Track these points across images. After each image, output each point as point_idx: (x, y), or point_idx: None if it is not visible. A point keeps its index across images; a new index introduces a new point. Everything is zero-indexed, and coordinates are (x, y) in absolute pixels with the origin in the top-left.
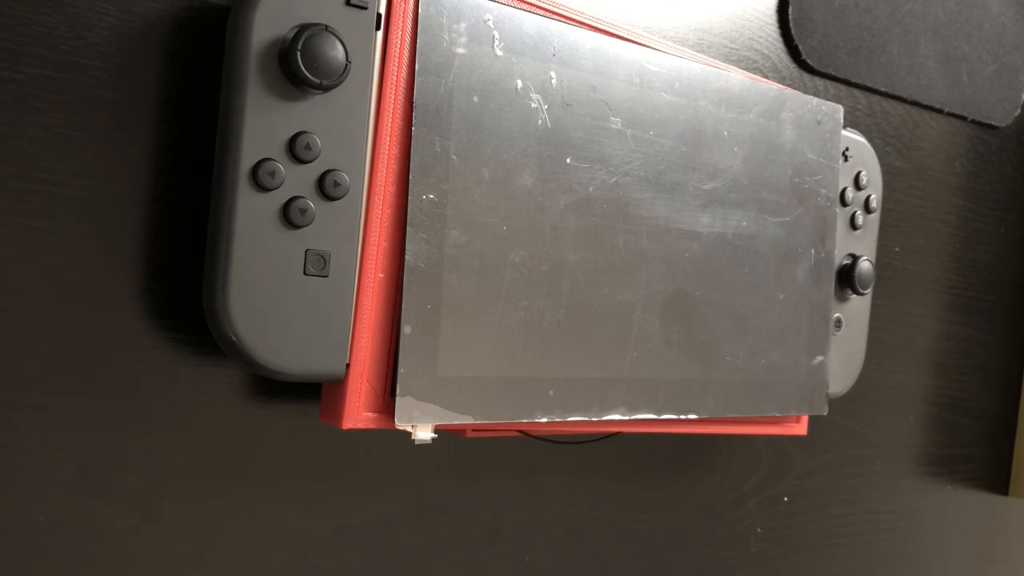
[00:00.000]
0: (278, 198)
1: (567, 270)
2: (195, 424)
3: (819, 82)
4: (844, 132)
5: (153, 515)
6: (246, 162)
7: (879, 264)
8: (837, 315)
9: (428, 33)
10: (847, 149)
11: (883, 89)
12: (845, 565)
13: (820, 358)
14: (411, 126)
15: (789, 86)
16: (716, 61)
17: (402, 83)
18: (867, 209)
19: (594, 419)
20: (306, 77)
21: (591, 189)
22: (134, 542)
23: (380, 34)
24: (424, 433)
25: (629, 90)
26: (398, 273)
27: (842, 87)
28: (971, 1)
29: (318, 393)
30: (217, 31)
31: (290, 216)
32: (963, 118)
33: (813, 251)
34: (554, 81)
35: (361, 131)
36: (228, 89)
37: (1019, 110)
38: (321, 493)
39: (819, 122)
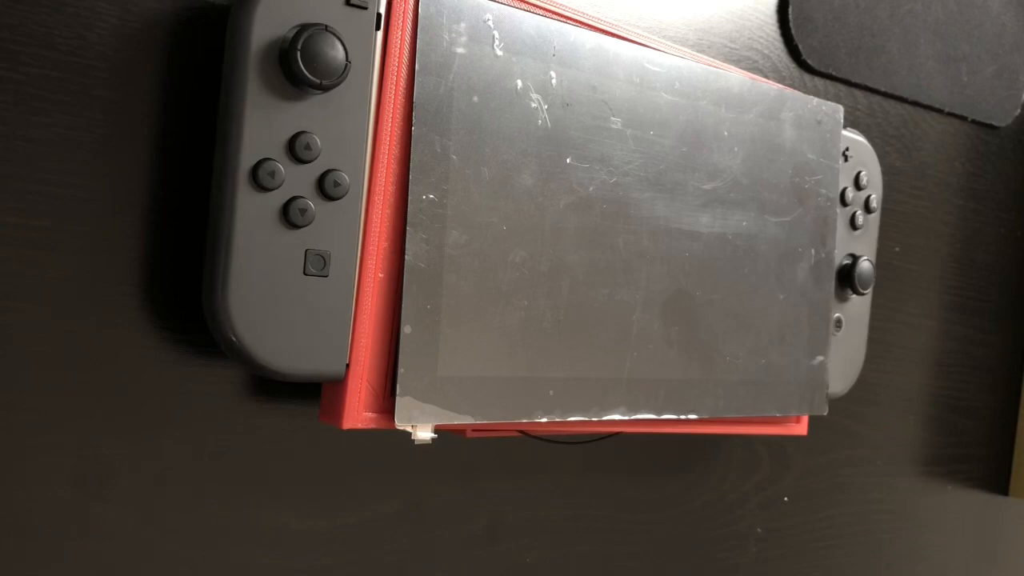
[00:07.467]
0: (278, 198)
1: (567, 270)
2: (195, 424)
3: (819, 82)
4: (844, 132)
5: (153, 515)
6: (246, 162)
7: (879, 264)
8: (837, 315)
9: (428, 33)
10: (847, 149)
11: (883, 89)
12: (845, 565)
13: (820, 358)
14: (411, 126)
15: (789, 86)
16: (716, 61)
17: (402, 83)
18: (867, 209)
19: (594, 419)
20: (306, 77)
21: (591, 189)
22: (134, 542)
23: (380, 34)
24: (424, 433)
25: (629, 90)
26: (398, 273)
27: (842, 87)
28: (971, 1)
29: (318, 393)
30: (217, 31)
31: (290, 216)
32: (963, 118)
33: (813, 251)
34: (554, 81)
35: (361, 131)
36: (228, 89)
37: (1019, 110)
38: (321, 493)
39: (819, 122)
